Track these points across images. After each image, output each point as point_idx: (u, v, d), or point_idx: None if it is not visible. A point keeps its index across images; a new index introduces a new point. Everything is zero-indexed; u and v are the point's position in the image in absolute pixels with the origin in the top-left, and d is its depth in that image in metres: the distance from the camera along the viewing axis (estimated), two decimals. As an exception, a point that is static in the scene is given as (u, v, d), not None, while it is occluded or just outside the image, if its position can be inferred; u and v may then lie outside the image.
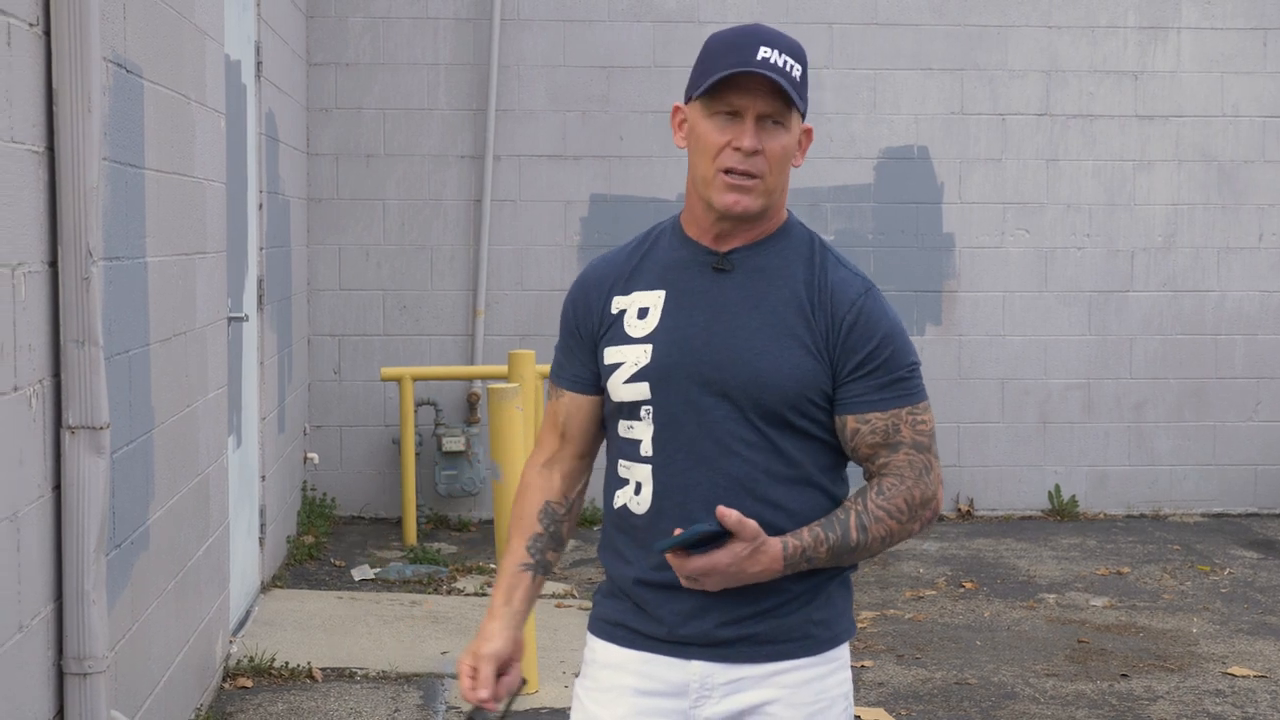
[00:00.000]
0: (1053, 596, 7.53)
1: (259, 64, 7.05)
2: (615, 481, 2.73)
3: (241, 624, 6.59)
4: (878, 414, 2.62)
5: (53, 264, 3.56)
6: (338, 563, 8.02)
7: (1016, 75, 9.43)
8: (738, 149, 2.58)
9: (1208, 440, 9.62)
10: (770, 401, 2.60)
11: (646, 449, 2.67)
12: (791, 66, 2.58)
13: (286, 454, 8.06)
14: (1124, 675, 6.24)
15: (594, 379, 2.76)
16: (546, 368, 6.11)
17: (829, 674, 2.69)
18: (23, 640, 3.37)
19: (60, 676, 3.65)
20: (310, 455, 8.82)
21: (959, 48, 9.38)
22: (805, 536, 2.58)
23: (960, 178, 9.43)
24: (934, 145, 9.40)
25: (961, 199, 9.44)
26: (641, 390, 2.66)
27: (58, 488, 3.61)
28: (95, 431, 3.63)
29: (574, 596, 7.39)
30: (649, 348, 2.66)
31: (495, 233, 9.19)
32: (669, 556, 2.55)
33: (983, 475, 9.54)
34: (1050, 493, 9.55)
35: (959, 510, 9.50)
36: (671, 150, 9.24)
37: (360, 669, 6.08)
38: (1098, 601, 7.44)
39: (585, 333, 2.75)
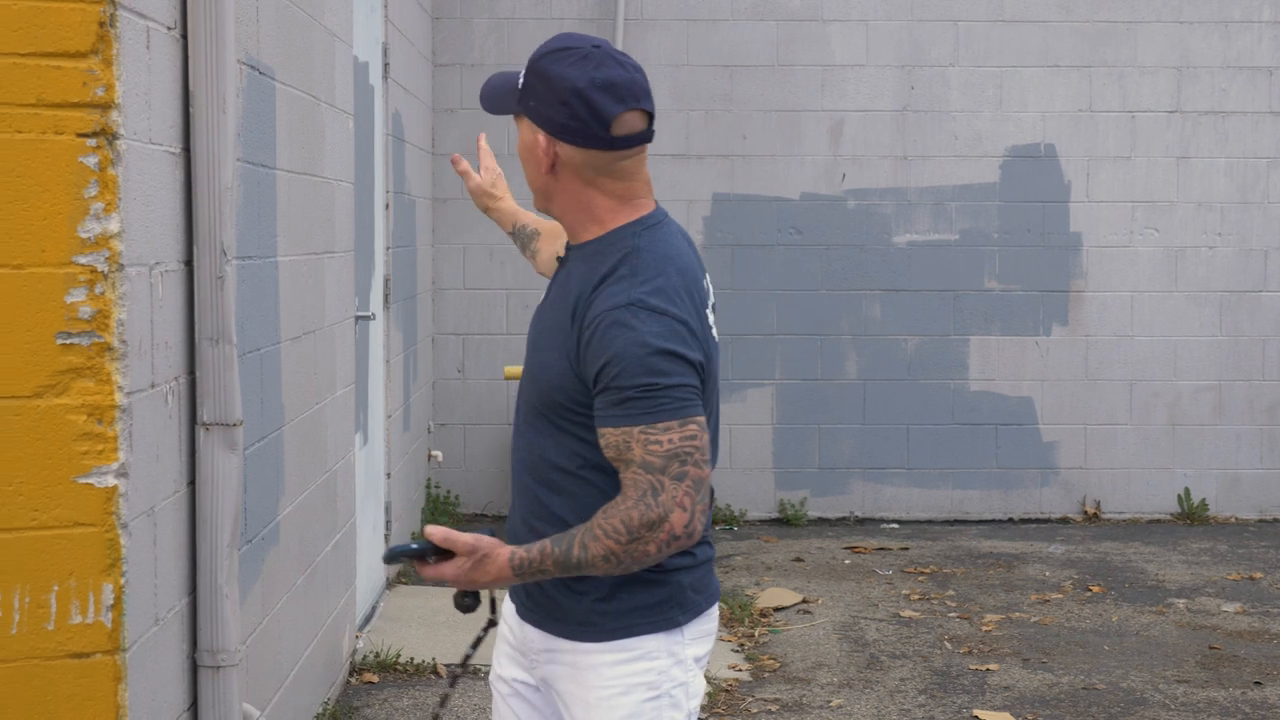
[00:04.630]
0: (1183, 601, 7.40)
1: (386, 65, 7.12)
2: None
3: (367, 619, 6.67)
4: (610, 429, 2.63)
5: (188, 263, 3.62)
6: (461, 560, 8.07)
7: (1146, 72, 9.28)
8: None
9: (1344, 444, 9.40)
10: (538, 396, 2.77)
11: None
12: (519, 76, 2.77)
13: (411, 451, 8.13)
14: (1257, 683, 6.12)
15: None
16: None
17: (621, 662, 2.76)
18: (158, 633, 3.43)
19: (194, 669, 3.71)
20: (434, 453, 8.90)
21: (1087, 44, 9.25)
22: (534, 550, 2.67)
23: (1088, 176, 9.30)
24: (1061, 143, 9.28)
25: (1089, 197, 9.31)
26: None
27: (192, 483, 3.66)
28: (229, 428, 3.68)
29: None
30: None
31: (618, 232, 9.19)
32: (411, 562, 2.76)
33: (1110, 477, 9.40)
34: (1180, 496, 9.39)
35: (1085, 513, 9.37)
36: (794, 150, 9.20)
37: (485, 665, 6.11)
38: (1229, 607, 7.30)
39: None
